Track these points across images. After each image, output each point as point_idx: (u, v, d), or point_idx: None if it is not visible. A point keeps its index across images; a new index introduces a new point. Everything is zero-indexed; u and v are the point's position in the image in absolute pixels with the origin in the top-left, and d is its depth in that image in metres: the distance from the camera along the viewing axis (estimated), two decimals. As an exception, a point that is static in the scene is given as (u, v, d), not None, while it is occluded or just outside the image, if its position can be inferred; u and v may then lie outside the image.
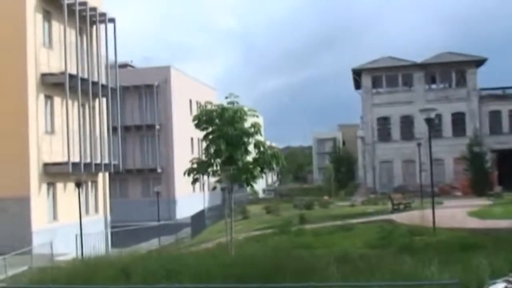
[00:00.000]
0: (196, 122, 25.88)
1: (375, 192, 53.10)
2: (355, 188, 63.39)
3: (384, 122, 57.15)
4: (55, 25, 28.51)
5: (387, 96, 57.47)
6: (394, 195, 38.34)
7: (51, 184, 27.55)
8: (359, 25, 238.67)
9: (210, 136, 22.34)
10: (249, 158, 20.91)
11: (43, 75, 27.09)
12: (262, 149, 20.39)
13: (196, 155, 52.20)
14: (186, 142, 53.16)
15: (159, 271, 14.17)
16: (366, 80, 57.60)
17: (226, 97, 24.13)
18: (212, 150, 22.19)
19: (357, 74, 58.24)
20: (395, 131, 56.71)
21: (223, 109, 21.94)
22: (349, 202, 45.04)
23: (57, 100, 28.14)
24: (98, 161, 30.46)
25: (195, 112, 52.35)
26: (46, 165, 26.85)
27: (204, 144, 23.12)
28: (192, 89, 56.12)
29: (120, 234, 32.26)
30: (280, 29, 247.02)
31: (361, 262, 14.02)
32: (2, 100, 25.81)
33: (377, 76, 57.83)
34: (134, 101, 50.51)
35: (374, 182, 56.51)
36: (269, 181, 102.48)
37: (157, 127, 49.63)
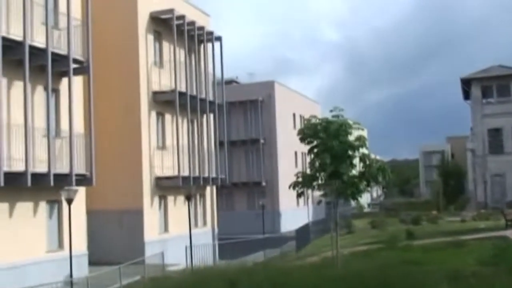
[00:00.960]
0: (300, 136, 25.98)
1: (486, 207, 50.79)
2: (465, 202, 60.95)
3: (495, 133, 54.66)
4: (165, 45, 29.81)
5: (499, 106, 54.93)
6: (507, 210, 36.54)
7: (162, 197, 28.70)
8: (464, 35, 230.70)
9: (315, 150, 22.34)
10: (355, 171, 20.73)
11: (155, 93, 28.38)
12: (367, 162, 20.16)
13: (300, 168, 52.43)
14: (290, 156, 53.50)
15: (265, 284, 14.36)
16: (476, 90, 55.39)
17: (331, 110, 24.02)
18: (317, 164, 22.16)
19: (466, 83, 56.16)
20: (508, 143, 54.06)
21: (327, 123, 21.90)
22: (459, 217, 43.37)
23: (167, 117, 29.36)
24: (206, 175, 31.36)
25: (298, 126, 52.89)
26: (158, 179, 28.04)
27: (309, 158, 23.16)
28: (296, 103, 56.46)
29: (226, 246, 32.92)
30: (385, 40, 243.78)
31: (474, 280, 13.55)
32: (118, 118, 27.29)
33: (488, 86, 55.45)
34: (240, 116, 51.54)
35: (485, 197, 54.07)
36: (374, 195, 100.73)
37: (262, 141, 50.33)
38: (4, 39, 17.56)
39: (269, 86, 51.42)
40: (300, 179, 25.40)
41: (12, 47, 18.13)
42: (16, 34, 18.75)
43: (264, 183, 49.97)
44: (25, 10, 18.55)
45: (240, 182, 50.14)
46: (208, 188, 33.27)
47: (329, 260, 21.27)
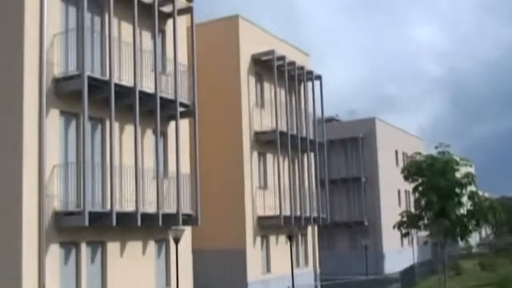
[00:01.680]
0: (404, 173, 25.29)
1: None
2: None
3: None
4: (266, 85, 30.36)
5: None
6: None
7: (264, 237, 28.81)
8: None
9: (420, 188, 21.73)
10: (463, 210, 19.98)
11: (256, 133, 28.84)
12: (477, 200, 19.43)
13: (404, 207, 51.03)
14: (393, 194, 52.28)
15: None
16: None
17: (436, 147, 23.32)
18: (422, 203, 21.57)
19: None
20: None
21: (433, 160, 21.37)
22: None
23: (269, 156, 29.68)
24: (308, 214, 31.22)
25: (401, 163, 51.77)
26: (260, 218, 28.22)
27: (414, 197, 22.53)
28: (398, 140, 55.39)
29: (329, 287, 32.41)
30: (490, 72, 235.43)
31: None
32: (221, 158, 27.91)
33: None
34: (340, 154, 51.17)
35: None
36: (483, 234, 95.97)
37: (363, 179, 49.57)
38: (117, 85, 18.52)
39: (370, 123, 50.83)
40: (404, 219, 24.66)
41: (123, 93, 19.09)
42: (127, 80, 19.78)
43: (366, 223, 49.00)
44: (135, 58, 19.55)
45: (341, 222, 49.46)
46: (309, 228, 33.08)
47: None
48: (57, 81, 17.65)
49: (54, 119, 17.52)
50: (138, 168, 19.22)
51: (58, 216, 17.14)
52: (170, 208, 21.15)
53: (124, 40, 20.25)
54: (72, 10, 18.84)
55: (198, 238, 25.97)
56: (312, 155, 33.44)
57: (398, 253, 50.08)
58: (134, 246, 20.00)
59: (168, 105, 21.09)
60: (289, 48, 32.79)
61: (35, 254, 16.38)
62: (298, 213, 30.37)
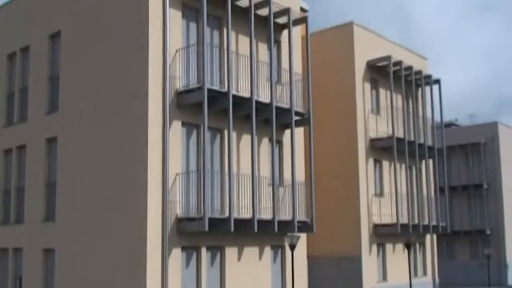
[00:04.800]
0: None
1: None
2: None
3: None
4: (382, 91, 30.03)
5: None
6: None
7: (380, 245, 28.51)
8: None
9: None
10: None
11: (372, 140, 28.61)
12: None
13: (530, 216, 48.30)
14: (518, 202, 49.69)
15: None
16: None
17: None
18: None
19: None
20: None
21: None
22: None
23: (385, 163, 29.33)
24: (426, 222, 30.50)
25: (528, 171, 48.99)
26: (376, 226, 27.97)
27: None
28: (523, 145, 52.57)
29: (449, 298, 31.50)
30: None
31: None
32: (336, 165, 27.98)
33: None
34: (460, 161, 49.38)
35: None
36: None
37: (485, 186, 47.51)
38: (235, 96, 19.19)
39: (492, 128, 48.64)
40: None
41: (241, 103, 19.74)
42: (244, 91, 20.43)
43: (488, 231, 46.91)
44: (252, 69, 20.14)
45: (462, 230, 47.69)
46: (427, 236, 32.27)
47: None
48: (179, 94, 18.60)
49: (176, 130, 18.47)
50: (254, 176, 19.76)
51: (180, 222, 18.05)
52: (285, 215, 21.55)
53: (241, 53, 20.95)
54: (193, 26, 19.78)
55: (314, 244, 26.23)
56: (430, 161, 32.64)
57: (524, 264, 47.48)
58: (251, 251, 20.58)
59: (284, 114, 21.51)
60: (405, 53, 32.24)
61: (158, 258, 17.35)
62: (416, 221, 29.76)
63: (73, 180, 20.13)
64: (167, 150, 17.86)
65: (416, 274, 30.37)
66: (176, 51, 18.82)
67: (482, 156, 48.13)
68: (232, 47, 20.41)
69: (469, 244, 48.20)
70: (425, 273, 31.62)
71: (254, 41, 20.55)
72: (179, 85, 18.76)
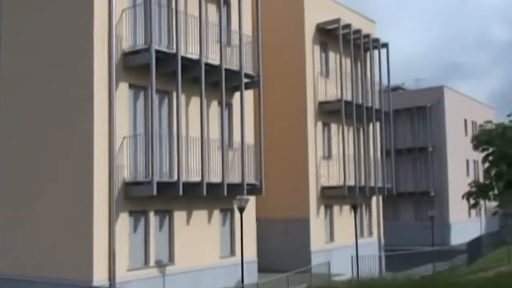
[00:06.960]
0: (474, 143, 24.78)
1: None
2: None
3: None
4: (331, 54, 30.06)
5: None
6: None
7: (328, 207, 28.93)
8: None
9: (491, 158, 21.28)
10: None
11: (321, 103, 28.73)
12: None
13: (472, 178, 49.95)
14: (461, 164, 51.22)
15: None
16: None
17: (508, 115, 22.73)
18: (492, 173, 21.12)
19: None
20: None
21: (504, 128, 20.76)
22: None
23: (333, 126, 29.56)
24: (372, 184, 31.07)
25: (470, 133, 50.51)
26: (323, 188, 28.32)
27: (483, 166, 22.05)
28: (467, 109, 53.96)
29: (393, 258, 32.35)
30: None
31: None
32: (285, 128, 28.05)
33: None
34: (406, 124, 50.40)
35: None
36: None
37: (430, 149, 48.71)
38: (183, 58, 18.84)
39: (438, 92, 49.66)
40: (473, 189, 24.23)
41: (189, 65, 19.41)
42: (193, 53, 20.07)
43: (432, 193, 48.32)
44: (201, 30, 19.76)
45: (406, 192, 48.98)
46: (374, 198, 32.93)
47: (505, 276, 20.08)
48: (125, 55, 18.12)
49: (123, 92, 18.05)
50: (203, 139, 19.62)
51: (128, 186, 17.79)
52: (234, 178, 21.53)
53: (190, 13, 20.50)
54: (140, -16, 19.18)
55: (262, 207, 26.40)
56: (377, 124, 33.09)
57: (465, 224, 49.28)
58: (200, 215, 20.55)
59: (233, 76, 21.30)
60: (354, 16, 32.26)
61: (105, 222, 17.11)
62: (363, 183, 30.27)
63: (16, 144, 19.49)
64: (113, 113, 17.45)
65: (362, 235, 31.04)
66: (123, 10, 18.26)
67: (428, 119, 49.20)
68: (181, 7, 19.94)
69: (414, 206, 49.61)
70: (370, 234, 32.36)
71: (203, 2, 20.14)
72: (126, 45, 18.26)
